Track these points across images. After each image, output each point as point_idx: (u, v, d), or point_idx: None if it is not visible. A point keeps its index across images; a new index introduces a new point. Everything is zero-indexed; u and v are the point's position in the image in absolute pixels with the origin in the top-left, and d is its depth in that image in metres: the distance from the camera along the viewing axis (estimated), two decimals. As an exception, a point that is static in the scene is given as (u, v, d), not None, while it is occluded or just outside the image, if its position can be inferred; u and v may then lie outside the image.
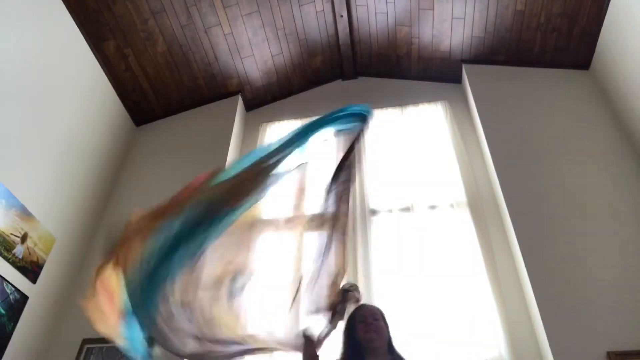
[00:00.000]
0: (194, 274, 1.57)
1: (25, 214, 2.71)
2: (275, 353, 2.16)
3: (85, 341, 2.71)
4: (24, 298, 2.63)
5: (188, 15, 3.52)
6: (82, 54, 3.38)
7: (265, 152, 1.82)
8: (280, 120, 3.99)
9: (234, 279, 1.71)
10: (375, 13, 3.79)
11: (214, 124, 3.84)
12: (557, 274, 2.53)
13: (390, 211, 3.17)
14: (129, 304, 1.47)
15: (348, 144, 1.97)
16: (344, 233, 1.92)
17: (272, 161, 1.77)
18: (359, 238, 2.96)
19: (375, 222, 3.13)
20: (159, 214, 1.54)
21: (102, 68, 3.55)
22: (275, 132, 3.90)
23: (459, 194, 3.10)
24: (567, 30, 3.43)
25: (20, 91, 2.78)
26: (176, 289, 1.52)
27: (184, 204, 1.57)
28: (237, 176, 1.73)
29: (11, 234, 2.59)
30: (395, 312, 2.56)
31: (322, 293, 1.85)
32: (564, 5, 3.31)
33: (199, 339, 1.60)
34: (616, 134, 3.12)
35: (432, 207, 3.10)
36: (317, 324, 1.87)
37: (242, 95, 4.07)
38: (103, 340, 2.69)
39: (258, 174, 1.73)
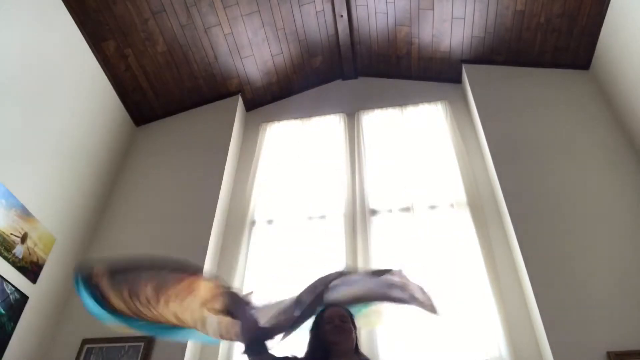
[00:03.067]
0: None
1: (25, 214, 2.71)
2: None
3: (85, 341, 2.71)
4: (24, 298, 2.63)
5: (188, 15, 3.52)
6: (82, 54, 3.38)
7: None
8: (280, 120, 3.99)
9: None
10: (375, 13, 3.79)
11: (214, 124, 3.84)
12: (557, 273, 2.53)
13: (390, 211, 3.17)
14: None
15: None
16: None
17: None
18: (359, 238, 2.97)
19: (375, 222, 3.13)
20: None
21: (102, 68, 3.55)
22: (275, 132, 3.91)
23: (459, 194, 3.10)
24: (567, 30, 3.43)
25: (20, 91, 2.78)
26: None
27: None
28: None
29: (11, 234, 2.59)
30: (396, 312, 2.56)
31: None
32: (564, 5, 3.31)
33: None
34: (616, 134, 3.12)
35: (432, 207, 3.11)
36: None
37: (242, 95, 4.07)
38: (103, 340, 2.70)
39: None
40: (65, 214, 3.06)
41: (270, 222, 3.31)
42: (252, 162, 3.64)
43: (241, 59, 3.88)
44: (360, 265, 2.82)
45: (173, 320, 1.64)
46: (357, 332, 1.80)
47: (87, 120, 3.37)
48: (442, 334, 2.50)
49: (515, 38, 3.59)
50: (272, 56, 3.94)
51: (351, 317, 1.83)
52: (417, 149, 3.44)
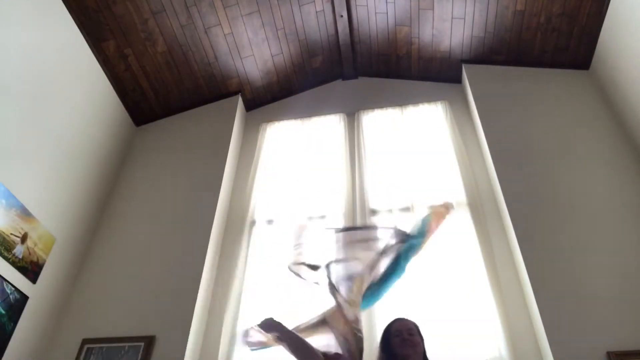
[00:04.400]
0: None
1: (25, 214, 2.71)
2: None
3: (85, 341, 2.71)
4: (24, 298, 2.63)
5: (188, 15, 3.52)
6: (82, 54, 3.38)
7: None
8: (280, 120, 3.99)
9: None
10: (375, 13, 3.79)
11: (214, 123, 3.84)
12: (557, 273, 2.53)
13: (390, 211, 3.17)
14: None
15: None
16: None
17: None
18: (359, 238, 2.96)
19: (375, 222, 3.13)
20: None
21: (102, 68, 3.55)
22: (275, 132, 3.91)
23: (459, 194, 3.10)
24: (567, 30, 3.43)
25: (20, 91, 2.78)
26: None
27: None
28: None
29: (11, 234, 2.59)
30: (395, 312, 2.55)
31: None
32: (564, 5, 3.31)
33: None
34: (616, 134, 3.12)
35: (432, 207, 3.10)
36: None
37: (242, 95, 4.07)
38: (103, 340, 2.70)
39: None
40: (65, 214, 3.06)
41: (270, 222, 3.31)
42: (252, 162, 3.64)
43: (241, 59, 3.88)
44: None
45: None
46: (424, 343, 1.91)
47: (87, 120, 3.37)
48: (442, 334, 2.50)
49: (515, 38, 3.59)
50: (272, 56, 3.95)
51: (418, 329, 1.92)
52: (417, 149, 3.44)
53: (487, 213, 3.02)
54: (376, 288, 2.02)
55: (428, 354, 2.01)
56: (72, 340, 2.74)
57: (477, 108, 3.45)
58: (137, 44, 3.56)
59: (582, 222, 2.72)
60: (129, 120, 3.92)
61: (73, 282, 3.05)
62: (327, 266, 2.01)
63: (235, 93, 4.05)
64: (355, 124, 3.74)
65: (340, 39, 3.99)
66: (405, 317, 1.99)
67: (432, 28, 3.73)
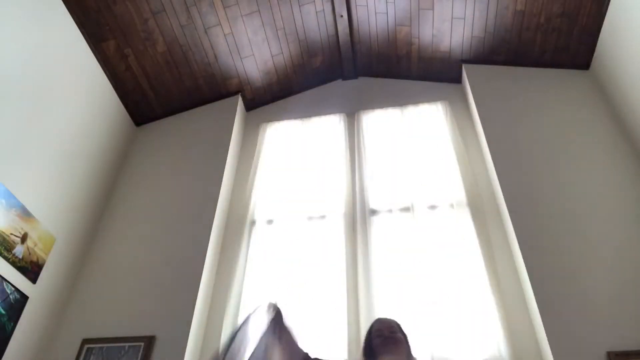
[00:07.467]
0: None
1: (25, 214, 2.71)
2: None
3: (85, 341, 2.71)
4: (24, 298, 2.63)
5: (188, 15, 3.52)
6: (82, 54, 3.38)
7: None
8: (280, 120, 3.99)
9: None
10: (375, 13, 3.79)
11: (214, 124, 3.84)
12: (557, 273, 2.53)
13: (390, 211, 3.17)
14: None
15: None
16: None
17: None
18: (359, 238, 2.97)
19: (375, 222, 3.13)
20: None
21: (102, 68, 3.55)
22: (275, 132, 3.91)
23: (459, 194, 3.10)
24: (567, 30, 3.43)
25: (20, 91, 2.78)
26: None
27: None
28: None
29: (11, 234, 2.59)
30: (395, 312, 2.56)
31: None
32: (564, 5, 3.31)
33: None
34: (616, 134, 3.12)
35: (432, 207, 3.11)
36: None
37: (242, 95, 4.07)
38: (103, 340, 2.70)
39: None
40: (65, 214, 3.06)
41: (270, 222, 3.31)
42: (252, 162, 3.64)
43: (241, 59, 3.88)
44: (360, 265, 2.81)
45: None
46: (409, 340, 1.83)
47: (87, 120, 3.37)
48: (441, 333, 2.50)
49: (515, 38, 3.59)
50: (272, 56, 3.95)
51: (400, 327, 1.85)
52: (417, 149, 3.44)
53: (487, 213, 3.02)
54: None
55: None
56: (72, 340, 2.74)
57: (477, 108, 3.46)
58: (137, 44, 3.56)
59: (582, 221, 2.72)
60: (129, 120, 3.92)
61: (73, 282, 3.05)
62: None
63: (235, 93, 4.05)
64: (355, 124, 3.74)
65: (340, 39, 3.99)
66: (386, 317, 1.96)
67: (432, 28, 3.73)
